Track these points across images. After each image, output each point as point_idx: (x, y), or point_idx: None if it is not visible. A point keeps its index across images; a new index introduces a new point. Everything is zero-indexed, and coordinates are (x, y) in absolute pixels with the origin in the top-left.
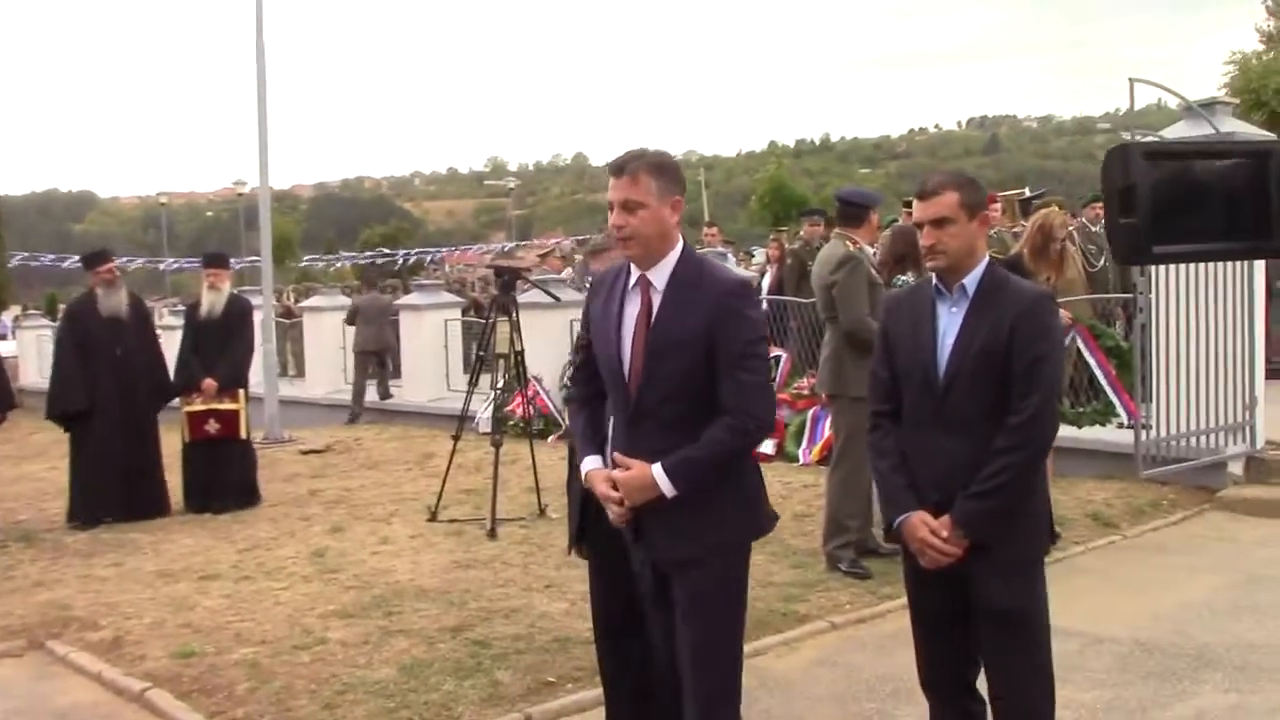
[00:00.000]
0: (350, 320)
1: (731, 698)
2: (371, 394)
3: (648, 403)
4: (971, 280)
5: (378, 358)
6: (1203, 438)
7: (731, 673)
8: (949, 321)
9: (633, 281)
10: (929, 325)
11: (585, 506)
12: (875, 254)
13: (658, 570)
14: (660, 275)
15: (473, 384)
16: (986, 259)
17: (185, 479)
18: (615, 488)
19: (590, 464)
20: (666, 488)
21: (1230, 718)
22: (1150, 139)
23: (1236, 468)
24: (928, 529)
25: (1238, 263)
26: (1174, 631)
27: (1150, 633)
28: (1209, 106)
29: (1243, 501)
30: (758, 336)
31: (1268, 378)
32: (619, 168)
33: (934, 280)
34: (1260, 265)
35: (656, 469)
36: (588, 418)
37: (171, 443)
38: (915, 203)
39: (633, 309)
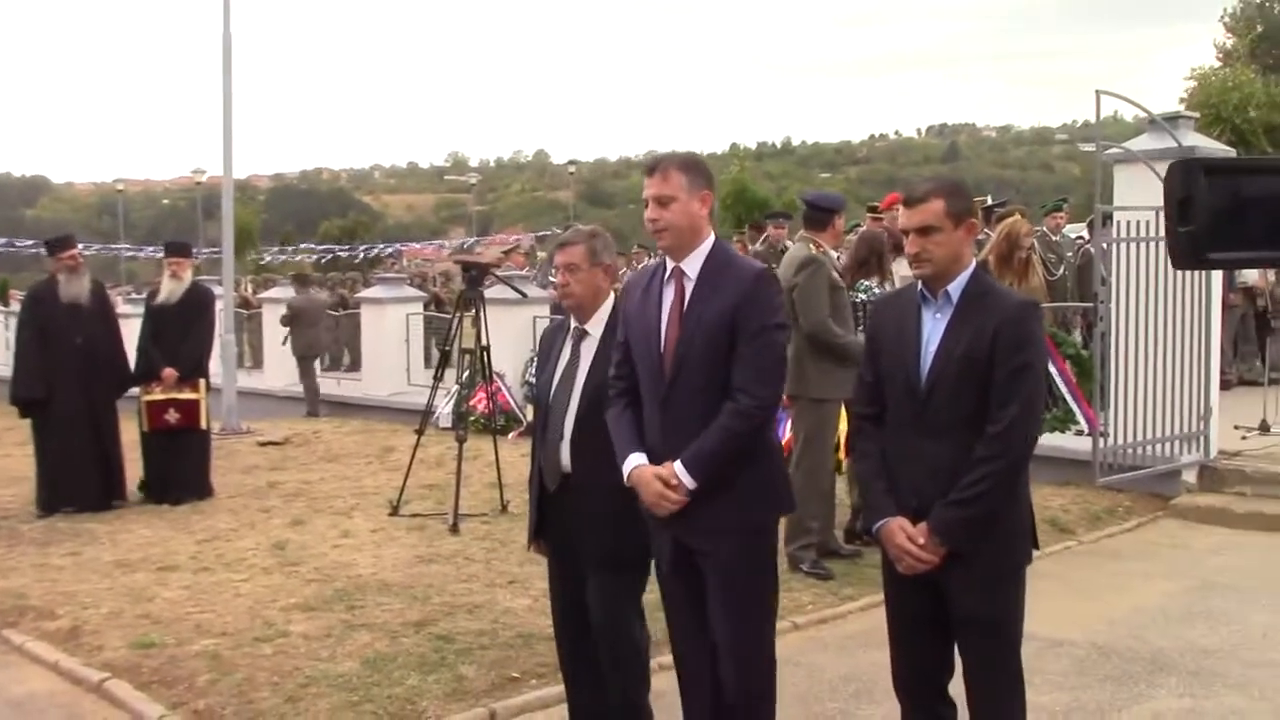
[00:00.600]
0: (287, 322)
1: (770, 695)
2: (343, 389)
3: (680, 386)
4: (956, 287)
5: (305, 361)
6: (1158, 446)
7: (770, 670)
8: (933, 327)
9: (667, 274)
10: (913, 330)
11: (543, 503)
12: (840, 258)
13: (680, 546)
14: (693, 265)
15: (438, 378)
16: (972, 266)
17: (144, 468)
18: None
19: (634, 461)
20: (688, 481)
21: None
22: (1212, 156)
23: (1190, 476)
24: (905, 535)
25: (1196, 276)
26: (1130, 636)
27: (1107, 637)
28: (1172, 120)
29: (1196, 509)
30: (775, 322)
31: (1221, 389)
32: (652, 167)
33: (919, 286)
34: (1218, 279)
35: (677, 466)
36: (630, 419)
37: (128, 431)
38: (901, 209)
39: (668, 299)
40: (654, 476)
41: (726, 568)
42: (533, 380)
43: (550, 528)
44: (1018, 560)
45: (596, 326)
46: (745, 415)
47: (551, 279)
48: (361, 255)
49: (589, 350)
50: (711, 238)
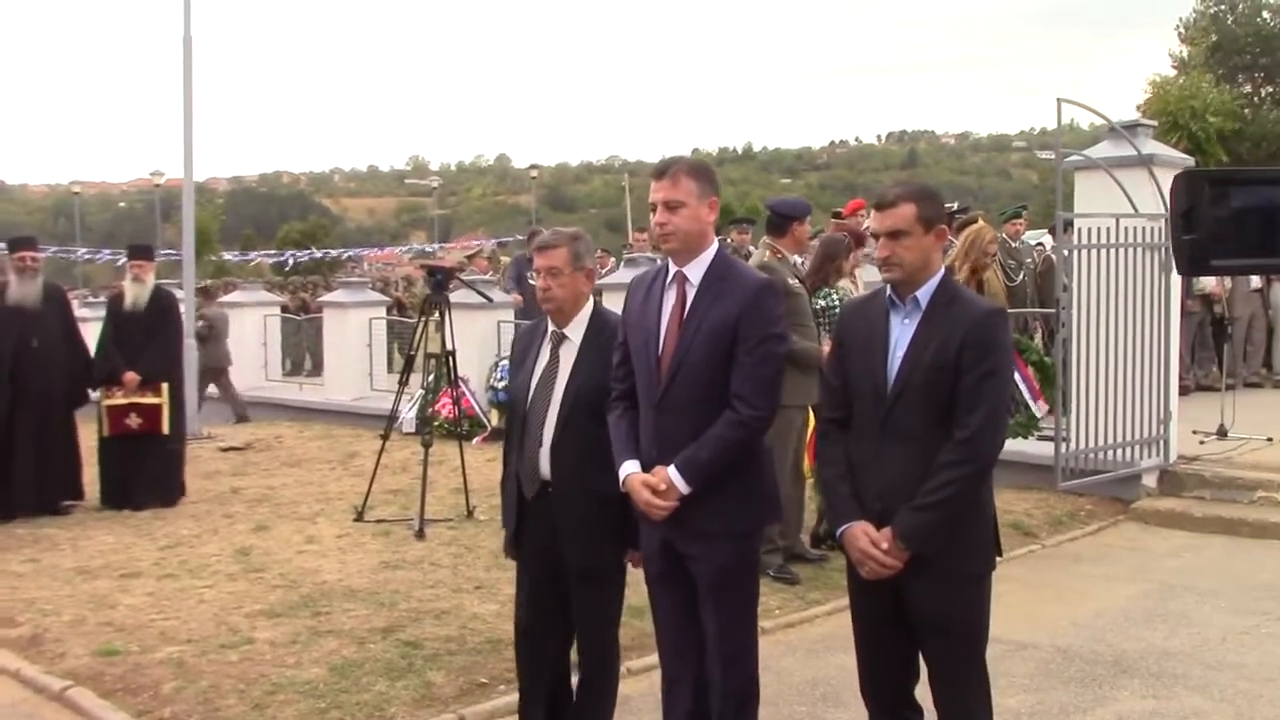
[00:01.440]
0: (204, 335)
1: (755, 695)
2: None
3: (675, 390)
4: (925, 293)
5: (216, 374)
6: (1118, 451)
7: (754, 672)
8: (901, 332)
9: (669, 278)
10: (881, 335)
11: (521, 509)
12: (803, 263)
13: (669, 550)
14: (696, 271)
15: (403, 383)
16: (941, 271)
17: (102, 474)
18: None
19: (629, 468)
20: (682, 486)
21: None
22: (1215, 169)
23: (1150, 480)
24: (868, 540)
25: (1155, 283)
26: (1092, 639)
27: (1070, 640)
28: (1131, 128)
29: (1156, 513)
30: (776, 332)
31: (1179, 394)
32: (661, 171)
33: (888, 290)
34: (1176, 286)
35: (672, 470)
36: (627, 424)
37: (87, 435)
38: (874, 213)
39: (669, 303)
40: (642, 484)
41: (716, 572)
42: (497, 385)
43: (527, 535)
44: (981, 566)
45: (576, 331)
46: (743, 425)
47: (532, 280)
48: (322, 258)
49: (568, 355)
50: (715, 245)
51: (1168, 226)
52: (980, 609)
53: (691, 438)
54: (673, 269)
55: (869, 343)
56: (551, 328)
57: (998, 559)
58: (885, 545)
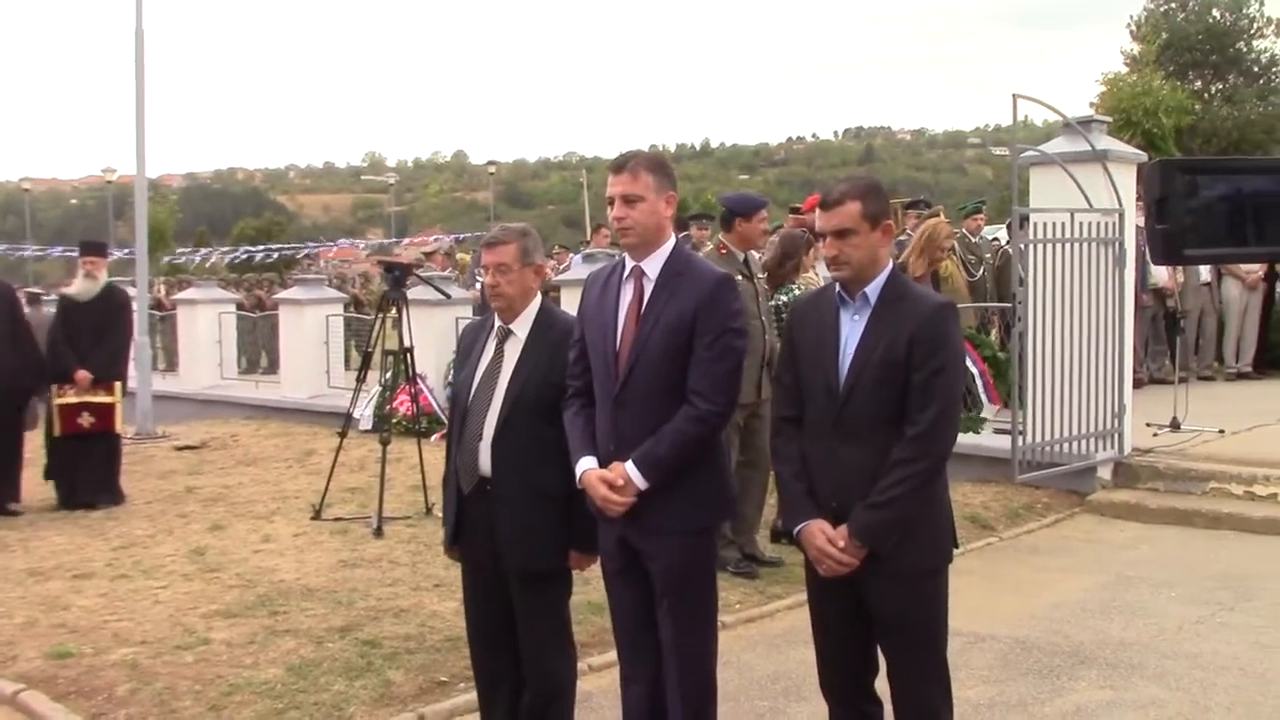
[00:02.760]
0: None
1: (713, 694)
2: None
3: (633, 385)
4: (874, 289)
5: None
6: (1074, 444)
7: (712, 671)
8: (850, 329)
9: (627, 273)
10: (831, 332)
11: (460, 512)
12: (761, 258)
13: (626, 547)
14: (654, 266)
15: (360, 380)
16: (889, 267)
17: (54, 474)
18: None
19: (585, 464)
20: (640, 482)
21: (1106, 713)
22: (1188, 158)
23: (1105, 473)
24: (825, 538)
25: (1109, 277)
26: (1050, 630)
27: (1028, 631)
28: (1086, 124)
29: (1111, 505)
30: (734, 327)
31: (1133, 387)
32: (620, 165)
33: (837, 287)
34: (1130, 280)
35: (629, 466)
36: (584, 420)
37: (33, 436)
38: (818, 212)
39: (626, 298)
40: (599, 480)
41: (672, 569)
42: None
43: (466, 533)
44: (938, 560)
45: (522, 327)
46: (701, 420)
47: (479, 277)
48: (277, 256)
49: (513, 350)
50: (673, 240)
51: (1121, 221)
52: (938, 603)
53: (649, 433)
54: (630, 264)
55: (819, 340)
56: (498, 323)
57: (955, 552)
58: (841, 543)
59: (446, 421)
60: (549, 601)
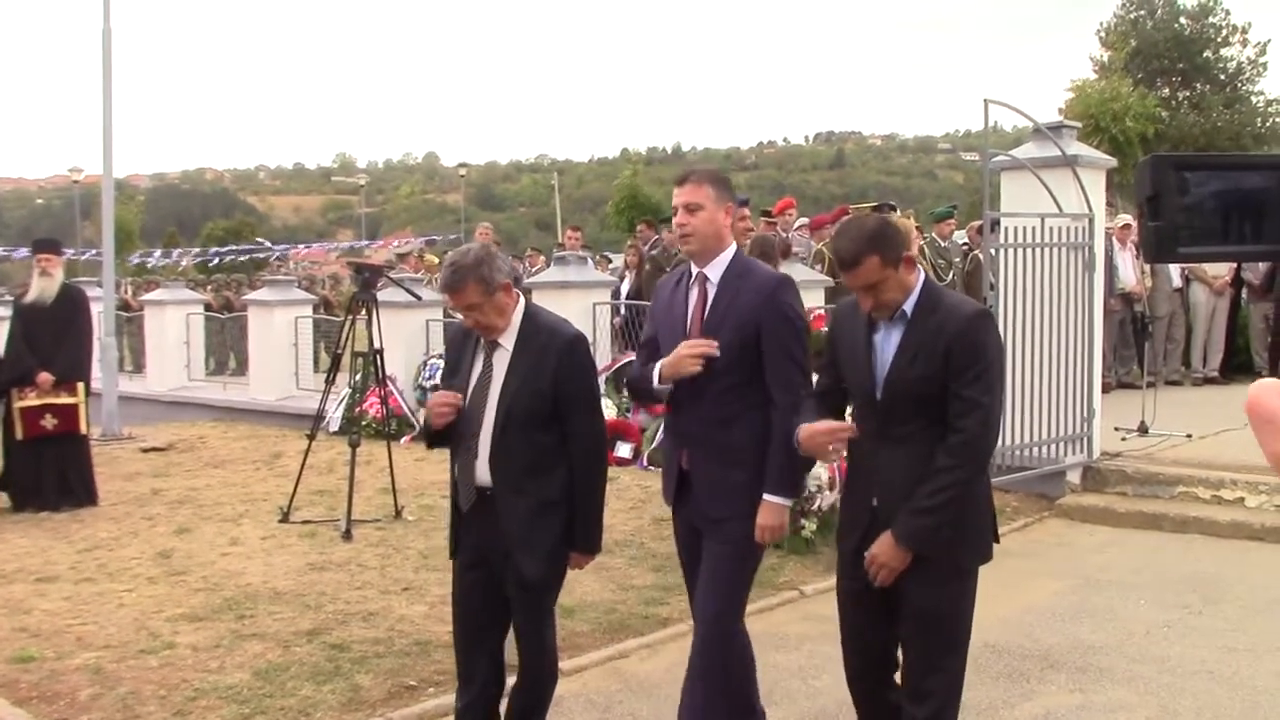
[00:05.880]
0: None
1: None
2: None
3: (699, 382)
4: (909, 305)
5: None
6: (1043, 448)
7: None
8: (885, 341)
9: (692, 279)
10: (864, 345)
11: (460, 522)
12: None
13: (694, 529)
14: (715, 271)
15: (330, 382)
16: (921, 281)
17: (15, 478)
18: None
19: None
20: (785, 502)
21: (1075, 717)
22: (1182, 153)
23: (1075, 477)
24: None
25: (1079, 282)
26: (1020, 634)
27: (998, 635)
28: (1056, 129)
29: (1080, 509)
30: (801, 325)
31: (1101, 392)
32: (683, 178)
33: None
34: (1099, 285)
35: (769, 498)
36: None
37: None
38: (843, 273)
39: (692, 301)
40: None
41: (725, 540)
42: (426, 384)
43: (465, 540)
44: (978, 558)
45: (508, 338)
46: (785, 413)
47: (454, 314)
48: (247, 258)
49: (501, 361)
50: (733, 247)
51: (1091, 226)
52: (968, 602)
53: (712, 428)
54: (694, 270)
55: (854, 350)
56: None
57: (995, 547)
58: (889, 550)
59: (417, 424)
60: (546, 604)
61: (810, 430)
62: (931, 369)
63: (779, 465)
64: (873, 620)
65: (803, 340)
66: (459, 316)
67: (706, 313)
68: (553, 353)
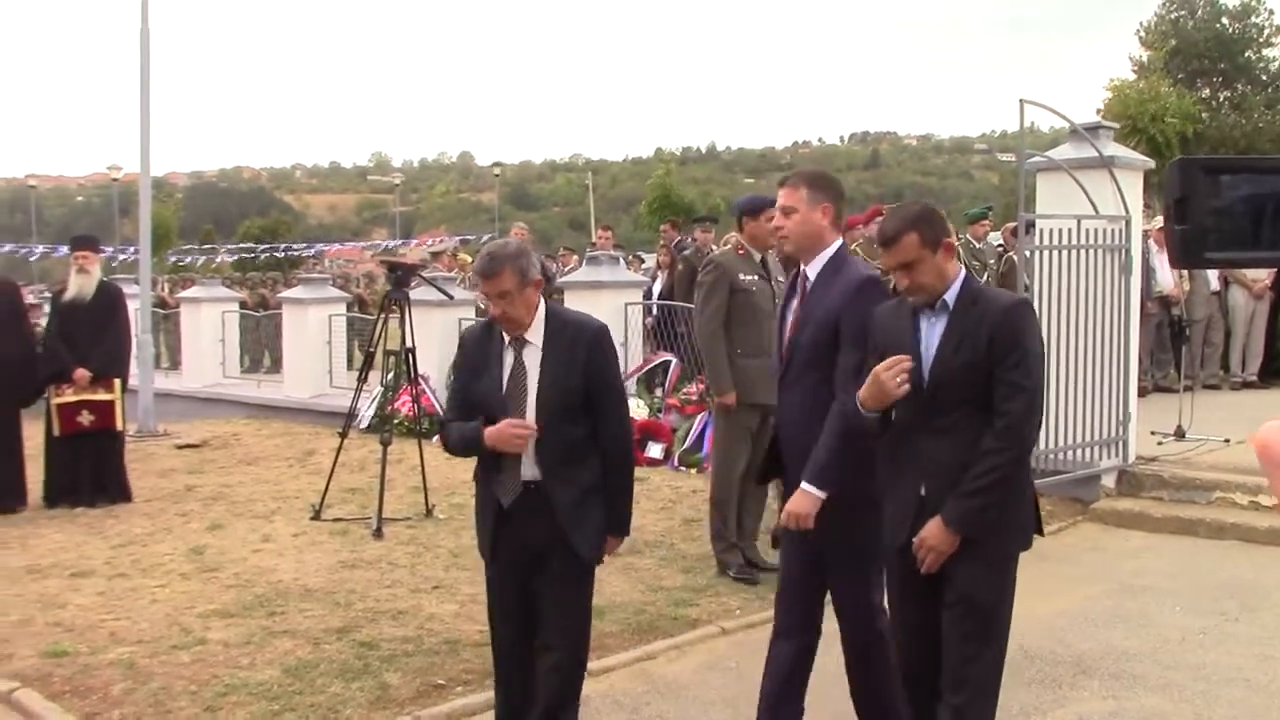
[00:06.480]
0: None
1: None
2: (251, 390)
3: (792, 372)
4: (951, 296)
5: None
6: (1078, 451)
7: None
8: (929, 331)
9: (797, 275)
10: (908, 334)
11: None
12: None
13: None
14: (814, 269)
15: (362, 380)
16: (961, 274)
17: (51, 474)
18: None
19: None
20: (819, 494)
21: None
22: (1211, 156)
23: (1109, 481)
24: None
25: (1115, 284)
26: (1053, 639)
27: (1031, 639)
28: (1094, 130)
29: (1114, 514)
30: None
31: (1138, 395)
32: (784, 180)
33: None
34: (1136, 287)
35: (804, 486)
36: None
37: (33, 435)
38: (883, 252)
39: (795, 298)
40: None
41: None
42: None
43: (505, 538)
44: (1021, 544)
45: (535, 335)
46: (836, 413)
47: (482, 305)
48: (283, 254)
49: (533, 358)
50: (834, 245)
51: (1128, 228)
52: (1010, 590)
53: (804, 419)
54: (802, 267)
55: (898, 344)
56: (509, 335)
57: (1036, 537)
58: (937, 534)
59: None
60: (587, 590)
61: (873, 373)
62: (976, 357)
63: (820, 459)
64: (927, 614)
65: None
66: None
67: (801, 308)
68: (582, 346)
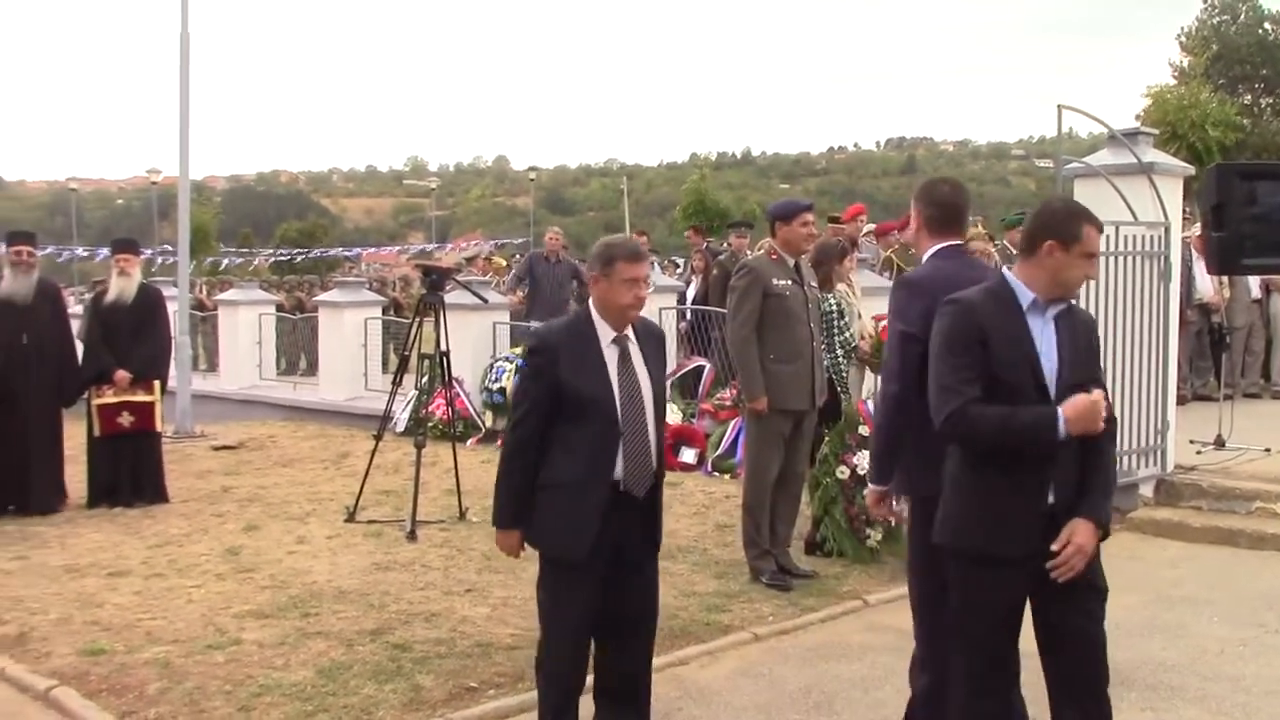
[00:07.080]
0: None
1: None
2: (280, 391)
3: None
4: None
5: None
6: (1116, 460)
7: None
8: (1043, 332)
9: None
10: (1026, 335)
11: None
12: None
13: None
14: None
15: (397, 383)
16: None
17: (94, 474)
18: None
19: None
20: (874, 488)
21: None
22: (1248, 162)
23: (1148, 490)
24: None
25: (1154, 292)
26: None
27: None
28: (1132, 136)
29: (1152, 523)
30: (899, 327)
31: (1176, 404)
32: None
33: (1032, 295)
34: (1175, 295)
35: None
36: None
37: (73, 435)
38: (1071, 246)
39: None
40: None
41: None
42: (492, 386)
43: (606, 540)
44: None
45: (631, 333)
46: (876, 407)
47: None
48: (320, 257)
49: (636, 355)
50: (930, 250)
51: (1167, 235)
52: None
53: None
54: None
55: (1016, 342)
56: (610, 332)
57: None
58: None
59: (483, 426)
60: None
61: (1074, 408)
62: (1082, 359)
63: (872, 454)
64: (1015, 618)
65: (894, 340)
66: (529, 323)
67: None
68: (657, 344)
